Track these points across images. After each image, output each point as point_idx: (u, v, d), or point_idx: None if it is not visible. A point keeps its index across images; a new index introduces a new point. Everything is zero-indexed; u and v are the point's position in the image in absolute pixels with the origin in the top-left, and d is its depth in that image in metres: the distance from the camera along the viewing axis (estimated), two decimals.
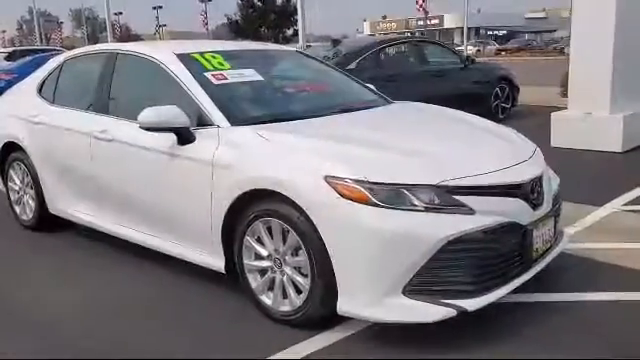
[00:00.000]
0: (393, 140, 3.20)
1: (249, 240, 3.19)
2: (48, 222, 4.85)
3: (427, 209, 2.73)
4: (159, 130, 3.42)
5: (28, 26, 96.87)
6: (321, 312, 2.94)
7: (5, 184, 5.16)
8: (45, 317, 3.40)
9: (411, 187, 2.74)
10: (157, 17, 68.90)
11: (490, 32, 71.01)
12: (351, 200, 2.74)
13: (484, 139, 3.52)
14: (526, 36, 66.81)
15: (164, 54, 3.89)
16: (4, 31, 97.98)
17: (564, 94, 12.07)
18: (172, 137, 3.47)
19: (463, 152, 3.16)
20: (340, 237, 2.76)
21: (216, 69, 3.81)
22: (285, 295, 3.10)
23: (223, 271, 3.37)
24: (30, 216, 4.93)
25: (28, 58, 16.98)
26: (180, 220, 3.55)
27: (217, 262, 3.38)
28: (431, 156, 2.99)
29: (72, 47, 24.77)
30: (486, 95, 9.61)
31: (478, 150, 3.26)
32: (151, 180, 3.68)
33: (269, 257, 3.14)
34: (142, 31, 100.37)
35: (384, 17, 79.49)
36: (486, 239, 2.78)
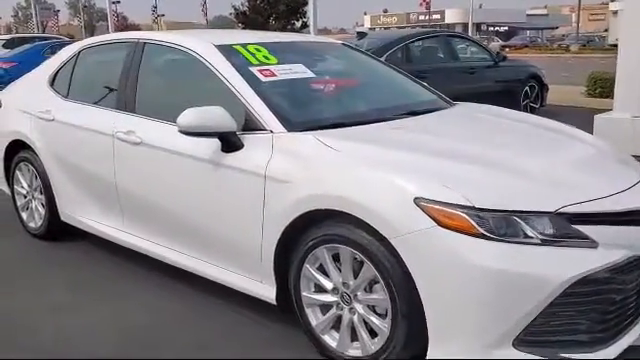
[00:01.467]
0: (487, 153, 2.67)
1: (309, 269, 2.68)
2: (59, 231, 4.34)
3: (544, 242, 2.22)
4: (202, 135, 2.90)
5: (24, 13, 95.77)
6: None
7: (11, 187, 4.63)
8: (54, 346, 2.91)
9: (525, 215, 2.24)
10: (155, 6, 67.91)
11: (491, 28, 70.50)
12: (450, 229, 2.23)
13: (585, 152, 3.01)
14: (528, 33, 66.33)
15: (202, 45, 3.37)
16: (0, 18, 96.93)
17: (589, 94, 11.63)
18: (215, 142, 2.95)
19: (572, 170, 2.65)
20: (435, 273, 2.26)
21: (262, 64, 3.29)
22: (354, 337, 2.60)
23: (274, 302, 2.86)
24: (39, 224, 4.40)
25: (27, 46, 16.37)
26: (222, 239, 3.04)
27: (267, 291, 2.88)
28: (541, 175, 2.47)
29: (69, 35, 24.05)
30: (516, 94, 9.11)
31: (587, 167, 2.76)
32: (188, 191, 3.16)
33: (335, 291, 2.63)
34: (139, 21, 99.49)
35: (385, 11, 78.87)
36: (614, 278, 2.28)
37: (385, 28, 68.44)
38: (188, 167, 3.12)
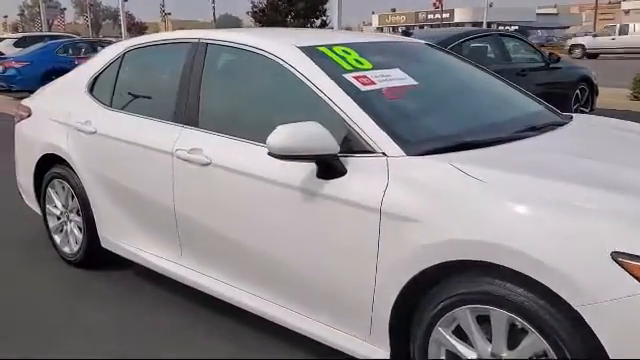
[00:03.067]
0: None
1: (442, 332, 2.12)
2: (99, 258, 3.79)
3: None
4: (298, 159, 2.34)
5: (30, 12, 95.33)
6: None
7: (42, 206, 4.08)
8: None
9: None
10: (163, 4, 67.52)
11: (502, 27, 69.81)
12: None
13: None
14: (539, 32, 65.53)
15: (283, 47, 2.80)
16: (6, 16, 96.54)
17: (635, 97, 11.03)
18: (308, 166, 2.40)
19: None
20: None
21: (356, 69, 2.73)
22: None
23: None
24: (75, 249, 3.85)
25: (40, 45, 15.85)
26: (317, 286, 2.48)
27: (376, 354, 2.31)
28: None
29: (76, 34, 23.47)
30: (568, 98, 8.51)
31: None
32: (272, 224, 2.60)
33: None
34: (145, 19, 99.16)
35: (393, 10, 78.13)
36: None
37: (393, 27, 67.71)
38: (273, 195, 2.56)
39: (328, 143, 2.31)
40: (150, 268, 3.36)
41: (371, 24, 79.38)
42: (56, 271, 3.86)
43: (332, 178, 2.36)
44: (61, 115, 3.79)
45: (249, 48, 2.92)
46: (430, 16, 69.42)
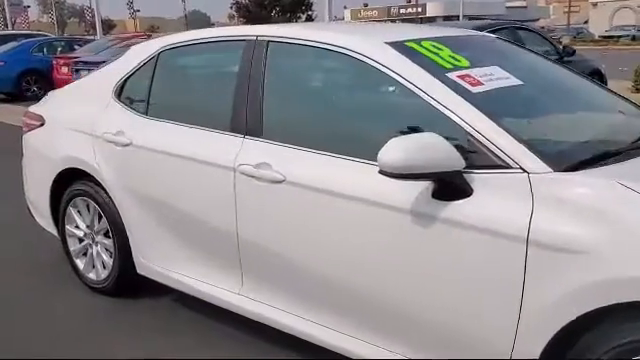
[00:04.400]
0: None
1: None
2: (131, 285, 3.35)
3: None
4: (417, 177, 1.96)
5: None
6: None
7: (60, 227, 3.61)
8: None
9: None
10: (131, 2, 66.18)
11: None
12: None
13: None
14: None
15: (371, 44, 2.41)
16: None
17: (637, 89, 10.90)
18: (420, 185, 2.02)
19: None
20: None
21: (456, 67, 2.35)
22: None
23: None
24: (103, 276, 3.40)
25: (14, 44, 15.12)
26: (434, 329, 2.09)
27: None
28: None
29: (39, 32, 22.54)
30: None
31: None
32: (368, 253, 2.21)
33: None
34: (112, 17, 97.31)
35: (365, 5, 78.02)
36: None
37: (365, 22, 67.50)
38: (372, 219, 2.17)
39: (453, 158, 1.94)
40: (197, 296, 2.94)
41: (343, 19, 79.07)
42: (82, 299, 3.41)
43: (454, 199, 1.98)
44: (84, 124, 3.33)
45: (325, 46, 2.51)
46: (402, 10, 69.42)
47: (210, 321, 3.02)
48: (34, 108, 3.84)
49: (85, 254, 3.52)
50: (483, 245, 1.92)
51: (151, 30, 63.16)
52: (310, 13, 19.00)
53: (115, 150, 3.13)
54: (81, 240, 3.51)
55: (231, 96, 2.73)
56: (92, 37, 21.01)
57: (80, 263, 3.54)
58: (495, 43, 3.12)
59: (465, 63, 2.41)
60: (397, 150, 1.91)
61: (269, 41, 2.70)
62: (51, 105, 3.79)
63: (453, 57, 2.43)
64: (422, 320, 2.12)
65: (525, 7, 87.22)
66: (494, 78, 2.38)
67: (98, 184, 3.26)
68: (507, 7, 78.89)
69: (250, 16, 18.63)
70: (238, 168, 2.56)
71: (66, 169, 3.41)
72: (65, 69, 12.87)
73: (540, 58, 3.20)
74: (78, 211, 3.47)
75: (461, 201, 1.97)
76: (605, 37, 39.70)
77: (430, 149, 1.92)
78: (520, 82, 2.45)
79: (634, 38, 40.65)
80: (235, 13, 19.73)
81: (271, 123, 2.59)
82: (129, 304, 3.34)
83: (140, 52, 3.31)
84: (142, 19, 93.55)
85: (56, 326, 3.14)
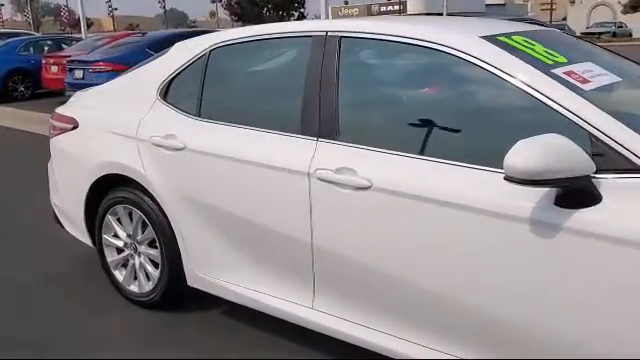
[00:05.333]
0: None
1: None
2: (179, 298, 3.15)
3: None
4: (546, 183, 1.79)
5: None
6: None
7: (95, 236, 3.38)
8: None
9: None
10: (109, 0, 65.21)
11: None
12: None
13: None
14: None
15: (465, 38, 2.24)
16: None
17: None
18: (538, 192, 1.86)
19: None
20: None
21: (557, 64, 2.20)
22: None
23: None
24: (147, 288, 3.19)
25: None
26: (574, 347, 1.93)
27: None
28: None
29: (27, 32, 22.00)
30: None
31: None
32: (487, 268, 2.03)
33: None
34: (89, 15, 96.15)
35: (346, 3, 77.89)
36: None
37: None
38: (481, 229, 2.00)
39: (582, 161, 1.78)
40: (265, 311, 2.75)
41: (320, 17, 78.82)
42: (129, 313, 3.20)
43: (580, 206, 1.82)
44: (126, 127, 3.11)
45: (409, 41, 2.34)
46: (383, 8, 69.38)
47: (276, 337, 2.84)
48: (63, 110, 3.61)
49: (125, 265, 3.30)
50: (616, 257, 1.76)
51: (130, 28, 62.33)
52: (302, 10, 18.82)
53: (165, 154, 2.92)
54: (120, 250, 3.30)
55: (299, 96, 2.54)
56: (78, 35, 20.54)
57: (119, 274, 3.32)
58: (568, 37, 2.97)
59: (562, 59, 2.26)
60: (528, 154, 1.75)
61: (342, 37, 2.51)
62: (83, 107, 3.56)
63: (548, 52, 2.27)
64: (548, 344, 1.95)
65: (504, 5, 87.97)
66: (595, 75, 2.23)
67: (143, 191, 3.05)
68: (486, 5, 79.56)
69: (241, 13, 18.38)
70: (314, 174, 2.38)
71: (109, 175, 3.19)
72: (55, 68, 12.54)
73: (606, 51, 3.06)
74: (118, 219, 3.25)
75: (588, 209, 1.81)
76: (586, 34, 39.99)
77: (561, 152, 1.76)
78: (619, 78, 2.31)
79: (615, 35, 41.10)
80: (225, 10, 19.46)
81: (349, 124, 2.41)
82: (183, 319, 3.14)
83: (186, 50, 3.10)
84: (119, 17, 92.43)
85: (106, 342, 2.93)
